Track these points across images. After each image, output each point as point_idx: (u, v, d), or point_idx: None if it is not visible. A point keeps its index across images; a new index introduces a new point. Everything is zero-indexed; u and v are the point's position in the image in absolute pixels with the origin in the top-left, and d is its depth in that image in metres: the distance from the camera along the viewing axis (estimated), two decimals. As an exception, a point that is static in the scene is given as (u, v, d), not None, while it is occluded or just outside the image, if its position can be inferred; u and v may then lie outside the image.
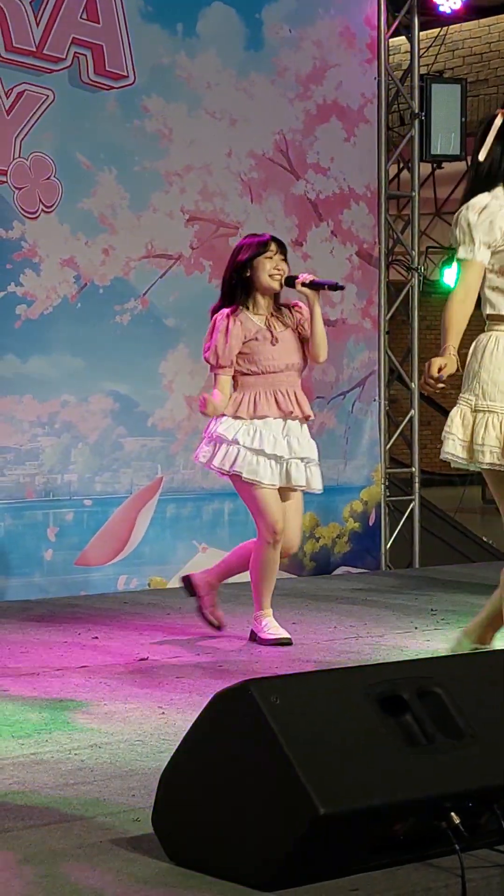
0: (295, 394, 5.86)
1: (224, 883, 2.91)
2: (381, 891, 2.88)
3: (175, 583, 7.61)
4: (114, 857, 3.11)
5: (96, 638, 6.01)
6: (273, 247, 5.88)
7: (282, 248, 5.92)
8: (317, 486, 5.90)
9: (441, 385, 4.43)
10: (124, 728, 4.36)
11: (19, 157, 7.19)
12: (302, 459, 5.83)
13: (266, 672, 5.14)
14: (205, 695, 3.59)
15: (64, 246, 7.34)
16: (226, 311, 5.87)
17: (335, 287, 6.10)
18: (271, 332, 5.87)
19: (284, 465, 5.79)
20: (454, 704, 3.08)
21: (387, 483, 8.60)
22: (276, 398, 5.82)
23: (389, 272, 8.72)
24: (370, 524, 8.50)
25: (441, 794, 2.95)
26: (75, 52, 7.33)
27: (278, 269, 5.86)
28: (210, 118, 7.84)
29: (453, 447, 4.49)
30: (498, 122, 4.54)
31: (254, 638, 5.91)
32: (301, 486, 5.84)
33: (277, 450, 5.77)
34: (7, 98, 7.16)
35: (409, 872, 2.97)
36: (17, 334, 7.21)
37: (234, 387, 5.90)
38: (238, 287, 5.87)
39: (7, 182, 7.15)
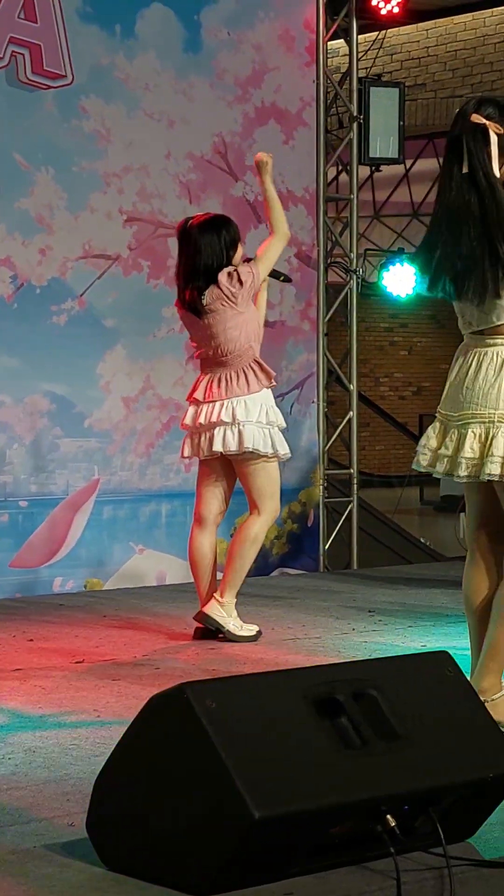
0: None
1: (159, 888, 2.90)
2: (316, 895, 2.88)
3: (112, 584, 7.59)
4: (47, 862, 3.09)
5: (31, 640, 5.97)
6: None
7: None
8: None
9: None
10: (59, 732, 4.33)
11: (-44, 155, 7.14)
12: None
13: (202, 675, 5.13)
14: (141, 698, 3.57)
15: (0, 245, 7.29)
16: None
17: (281, 277, 6.36)
18: None
19: None
20: (389, 707, 3.08)
21: (325, 484, 8.62)
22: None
23: (328, 274, 8.73)
24: (308, 525, 8.51)
25: (376, 797, 2.95)
26: (13, 52, 7.29)
27: None
28: (149, 119, 7.82)
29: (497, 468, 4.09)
30: (494, 137, 4.07)
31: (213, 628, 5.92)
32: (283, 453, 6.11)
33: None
34: None
35: (343, 876, 2.97)
36: (-48, 334, 7.17)
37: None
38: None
39: None
